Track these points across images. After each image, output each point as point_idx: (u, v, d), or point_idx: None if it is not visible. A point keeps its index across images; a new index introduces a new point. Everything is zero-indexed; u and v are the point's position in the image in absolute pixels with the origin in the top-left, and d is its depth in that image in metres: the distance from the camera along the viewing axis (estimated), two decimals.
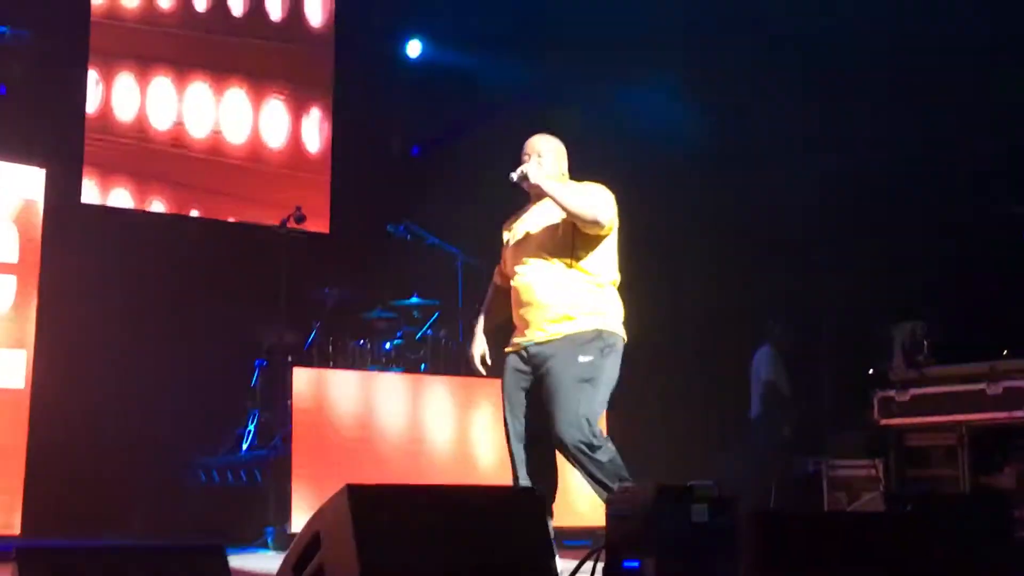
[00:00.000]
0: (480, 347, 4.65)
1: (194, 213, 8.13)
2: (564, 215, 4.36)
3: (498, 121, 7.80)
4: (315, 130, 8.54)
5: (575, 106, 7.78)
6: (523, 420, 4.41)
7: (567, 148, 4.61)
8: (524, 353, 4.42)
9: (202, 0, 8.18)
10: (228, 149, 8.21)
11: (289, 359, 6.89)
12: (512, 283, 4.50)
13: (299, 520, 6.03)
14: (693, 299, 8.08)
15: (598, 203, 4.37)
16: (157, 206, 7.97)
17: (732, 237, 8.05)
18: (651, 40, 7.86)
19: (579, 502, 5.86)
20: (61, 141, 7.29)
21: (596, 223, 4.33)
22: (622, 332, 4.44)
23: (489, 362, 4.64)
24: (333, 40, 8.61)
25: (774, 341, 7.83)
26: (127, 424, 6.90)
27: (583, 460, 4.23)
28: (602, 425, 4.81)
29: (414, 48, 9.09)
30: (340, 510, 2.88)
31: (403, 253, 7.57)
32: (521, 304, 4.44)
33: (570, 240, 4.39)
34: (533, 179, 4.38)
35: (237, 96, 8.25)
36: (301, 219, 6.80)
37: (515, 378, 4.44)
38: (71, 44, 7.60)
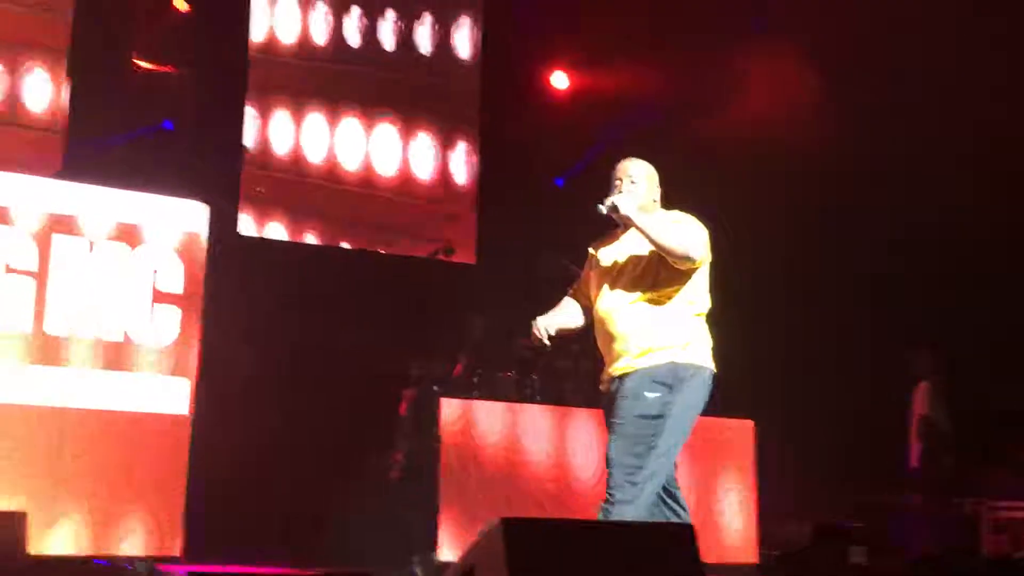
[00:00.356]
0: (551, 319, 4.45)
1: (345, 245, 8.33)
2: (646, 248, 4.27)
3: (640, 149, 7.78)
4: (462, 162, 8.66)
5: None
6: None
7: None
8: (610, 385, 4.33)
9: (355, 35, 8.40)
10: (379, 182, 8.39)
11: (436, 389, 6.97)
12: (595, 312, 4.40)
13: (447, 550, 6.11)
14: (827, 327, 7.89)
15: (690, 238, 4.24)
16: (310, 238, 8.19)
17: (873, 264, 7.85)
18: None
19: (729, 536, 5.77)
20: (221, 175, 7.57)
21: (687, 259, 4.20)
22: (708, 363, 4.30)
23: (552, 332, 4.40)
24: (480, 72, 8.73)
25: (929, 375, 7.59)
26: (281, 451, 7.08)
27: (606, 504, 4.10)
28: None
29: (560, 79, 9.15)
30: (494, 543, 2.90)
31: (549, 283, 7.58)
32: (603, 334, 4.35)
33: (654, 270, 4.26)
34: (623, 211, 4.23)
35: (387, 130, 8.43)
36: (451, 252, 6.90)
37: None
38: (231, 81, 7.89)
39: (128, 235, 5.90)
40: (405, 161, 8.46)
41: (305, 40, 8.24)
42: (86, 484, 5.61)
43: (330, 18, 8.28)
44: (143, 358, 5.85)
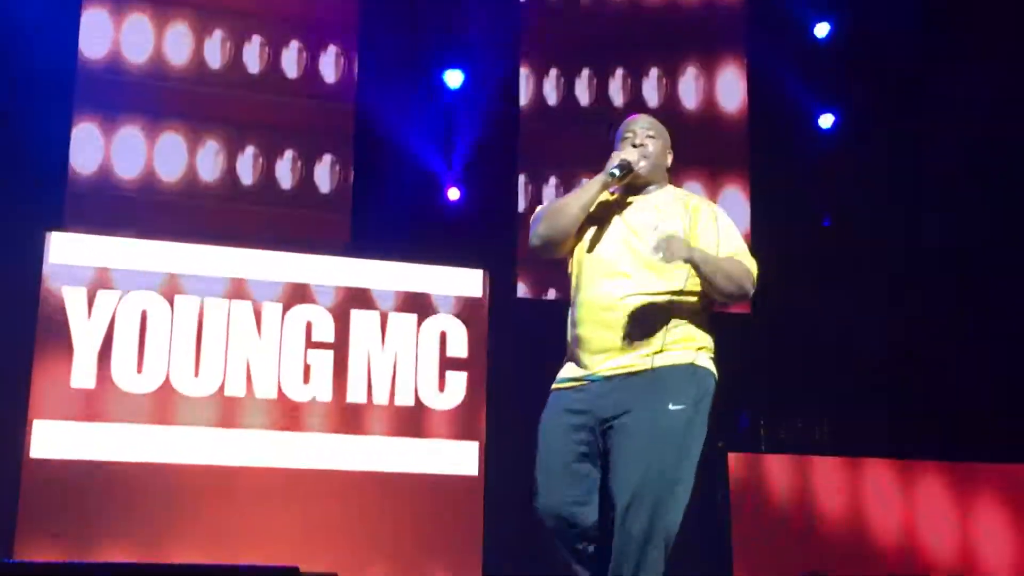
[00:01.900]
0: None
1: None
2: (679, 222, 3.42)
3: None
4: (734, 205, 8.56)
5: None
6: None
7: None
8: (587, 389, 3.38)
9: (618, 95, 8.51)
10: None
11: (720, 444, 6.87)
12: (587, 293, 3.42)
13: None
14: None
15: (748, 271, 3.39)
16: None
17: None
18: None
19: None
20: (499, 242, 7.79)
21: (742, 298, 3.43)
22: (715, 372, 3.43)
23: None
24: (747, 121, 8.64)
25: None
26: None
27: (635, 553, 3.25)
28: None
29: (826, 120, 8.95)
30: None
31: (826, 329, 7.38)
32: (594, 321, 3.38)
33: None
34: (680, 256, 3.19)
35: None
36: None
37: (564, 422, 3.39)
38: (504, 151, 8.13)
39: (415, 304, 6.18)
40: None
41: (571, 100, 8.42)
42: (390, 544, 5.87)
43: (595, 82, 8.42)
44: (435, 422, 6.09)
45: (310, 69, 7.18)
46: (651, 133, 3.58)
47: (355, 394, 6.03)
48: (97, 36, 6.76)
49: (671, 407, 3.26)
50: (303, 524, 5.80)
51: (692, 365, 3.33)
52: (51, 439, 5.62)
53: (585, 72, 8.45)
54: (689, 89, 8.64)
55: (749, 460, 6.37)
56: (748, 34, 8.50)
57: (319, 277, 6.16)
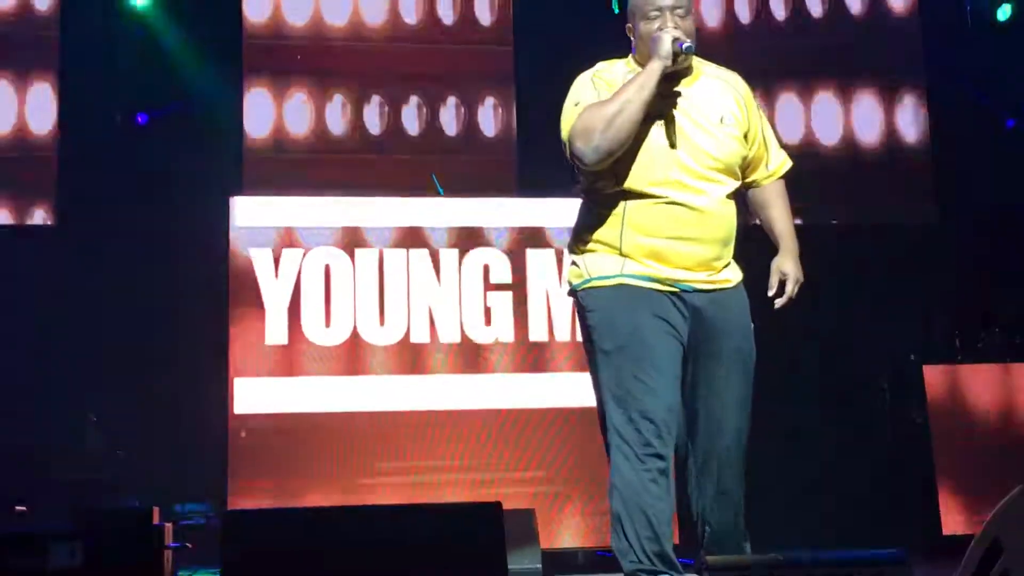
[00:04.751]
0: None
1: (798, 221, 8.14)
2: (737, 110, 3.30)
3: None
4: (910, 119, 8.21)
5: None
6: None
7: None
8: (681, 298, 3.21)
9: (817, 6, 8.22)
10: (821, 151, 8.15)
11: (912, 358, 6.66)
12: (660, 195, 3.18)
13: (948, 523, 5.84)
14: None
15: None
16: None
17: None
18: None
19: None
20: None
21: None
22: None
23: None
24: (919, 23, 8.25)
25: None
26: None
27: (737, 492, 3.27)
28: None
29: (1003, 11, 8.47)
30: (1021, 512, 2.72)
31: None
32: (682, 228, 3.19)
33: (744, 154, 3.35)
34: (795, 282, 3.35)
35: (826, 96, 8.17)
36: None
37: (659, 327, 3.17)
38: None
39: None
40: (848, 125, 8.16)
41: None
42: (586, 479, 5.91)
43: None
44: None
45: (466, 14, 7.21)
46: (682, 4, 3.25)
47: (537, 333, 6.08)
48: (259, 2, 6.95)
49: (751, 327, 3.30)
50: (497, 463, 5.91)
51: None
52: (251, 395, 5.86)
53: None
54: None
55: (946, 372, 6.15)
56: None
57: (492, 219, 6.21)
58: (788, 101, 8.11)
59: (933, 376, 6.07)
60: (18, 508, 5.31)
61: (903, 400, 6.64)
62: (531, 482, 5.88)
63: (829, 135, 8.16)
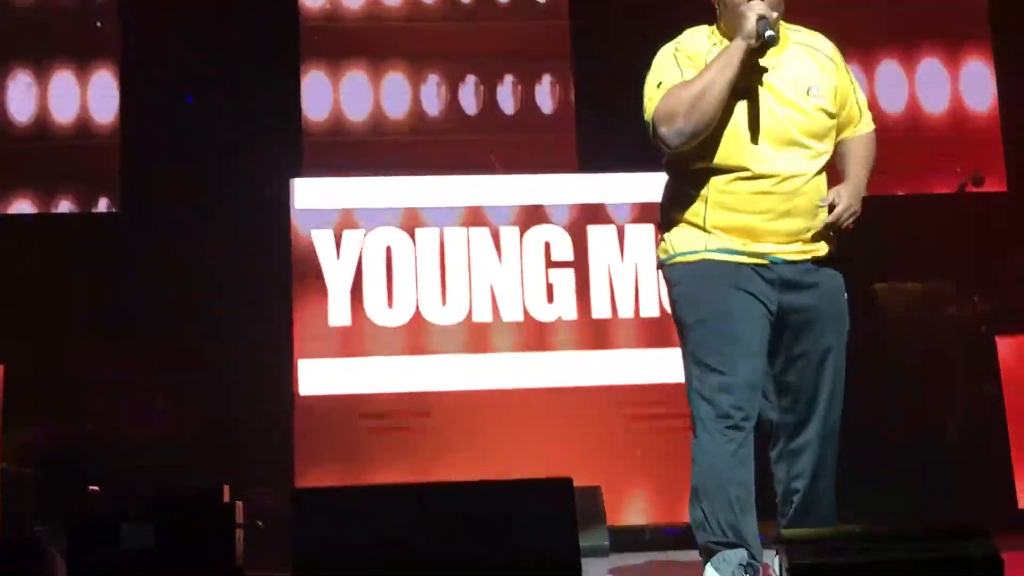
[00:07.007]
0: None
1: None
2: (828, 77, 3.28)
3: None
4: (976, 83, 8.03)
5: None
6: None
7: None
8: (771, 271, 3.20)
9: None
10: (884, 120, 8.00)
11: (983, 329, 6.52)
12: (752, 167, 3.17)
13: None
14: None
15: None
16: None
17: None
18: None
19: None
20: None
21: None
22: None
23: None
24: None
25: None
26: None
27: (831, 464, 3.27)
28: None
29: None
30: None
31: None
32: (768, 204, 3.18)
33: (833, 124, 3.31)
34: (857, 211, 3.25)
35: (890, 65, 8.01)
36: (980, 181, 6.43)
37: (748, 304, 3.16)
38: None
39: (651, 214, 6.08)
40: (912, 96, 7.99)
41: None
42: (644, 456, 5.87)
43: None
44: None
45: None
46: None
47: (600, 310, 6.03)
48: None
49: (845, 296, 3.29)
50: (564, 441, 5.87)
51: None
52: (316, 376, 5.88)
53: None
54: None
55: (1020, 343, 6.01)
56: None
57: (552, 197, 6.17)
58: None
59: (1006, 348, 5.94)
60: (91, 488, 5.40)
61: (976, 373, 6.51)
62: (596, 459, 5.85)
63: (894, 104, 8.02)
